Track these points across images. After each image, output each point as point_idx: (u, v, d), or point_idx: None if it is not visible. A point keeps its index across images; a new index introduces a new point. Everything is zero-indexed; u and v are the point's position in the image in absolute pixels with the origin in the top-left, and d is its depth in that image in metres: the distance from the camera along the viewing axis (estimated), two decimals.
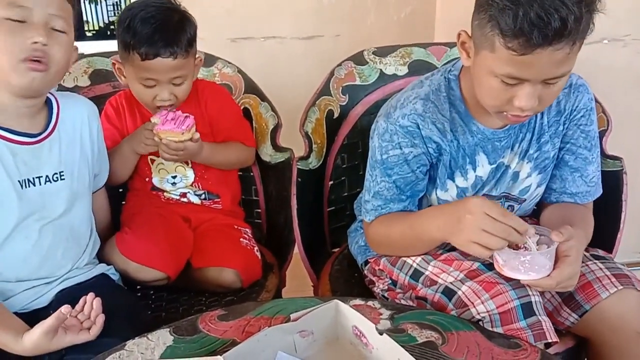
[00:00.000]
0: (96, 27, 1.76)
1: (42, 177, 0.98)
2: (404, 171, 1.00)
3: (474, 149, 1.00)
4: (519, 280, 0.86)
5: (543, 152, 1.02)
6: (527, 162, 1.03)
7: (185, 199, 1.30)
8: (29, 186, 0.96)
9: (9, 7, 0.88)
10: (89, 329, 0.90)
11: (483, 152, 1.00)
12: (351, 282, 1.21)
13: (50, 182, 0.99)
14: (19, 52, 0.89)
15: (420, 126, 0.97)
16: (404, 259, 1.03)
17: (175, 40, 1.12)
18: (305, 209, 1.25)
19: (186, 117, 1.14)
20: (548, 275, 0.84)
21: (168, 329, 0.82)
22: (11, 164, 0.94)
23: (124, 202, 1.32)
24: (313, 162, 1.27)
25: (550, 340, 0.85)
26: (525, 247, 0.84)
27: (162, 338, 0.80)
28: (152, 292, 1.18)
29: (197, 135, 1.15)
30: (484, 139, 0.99)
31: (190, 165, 1.27)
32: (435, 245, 0.98)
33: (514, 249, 0.85)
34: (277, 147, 1.35)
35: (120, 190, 1.33)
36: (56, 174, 1.00)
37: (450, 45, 1.34)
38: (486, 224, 0.83)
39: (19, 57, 0.89)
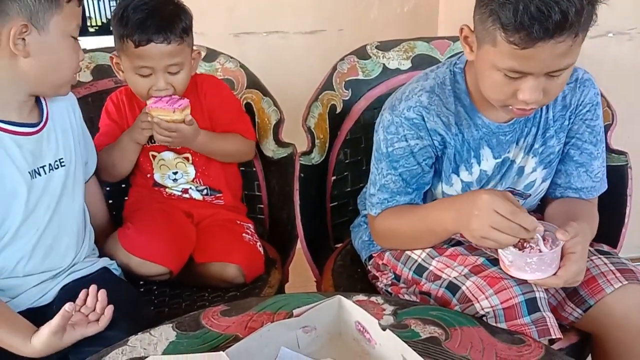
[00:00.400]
0: (98, 23, 1.76)
1: (45, 165, 1.00)
2: (410, 163, 0.99)
3: (479, 143, 0.99)
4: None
5: (548, 146, 1.02)
6: (532, 157, 1.02)
7: (187, 195, 1.29)
8: (36, 176, 0.98)
9: (77, 27, 0.98)
10: (96, 320, 0.90)
11: (488, 146, 1.00)
12: (354, 278, 1.21)
13: (53, 170, 1.01)
14: (76, 67, 1.01)
15: (425, 118, 0.97)
16: (409, 253, 1.03)
17: (168, 25, 1.11)
18: (308, 204, 1.25)
19: (180, 98, 1.14)
20: (555, 274, 0.83)
21: (171, 325, 0.82)
22: (19, 156, 0.96)
23: (126, 198, 1.32)
24: (316, 157, 1.27)
25: (554, 337, 0.85)
26: (531, 246, 0.83)
27: (165, 333, 0.81)
28: (154, 287, 1.19)
29: (190, 117, 1.14)
30: (488, 133, 0.99)
31: (190, 161, 1.26)
32: (448, 236, 0.98)
33: (519, 248, 0.84)
34: (279, 142, 1.34)
35: (123, 186, 1.33)
36: (57, 161, 1.02)
37: (454, 39, 1.32)
38: (495, 222, 0.82)
39: (76, 70, 1.01)
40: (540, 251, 0.82)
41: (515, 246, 0.84)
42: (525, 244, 0.84)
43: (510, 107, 0.89)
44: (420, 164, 1.00)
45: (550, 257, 0.83)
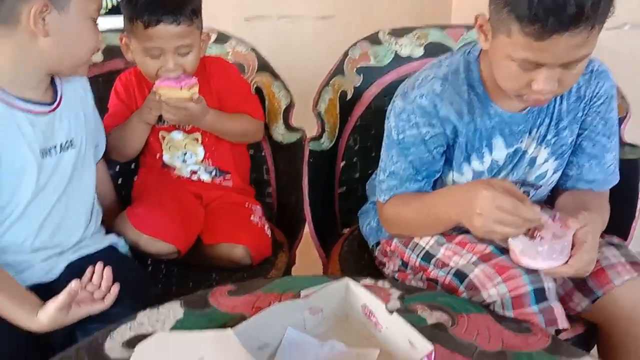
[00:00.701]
0: (109, 5, 1.76)
1: (57, 145, 1.00)
2: (420, 151, 0.99)
3: (491, 132, 0.99)
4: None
5: (561, 137, 1.01)
6: (544, 148, 1.01)
7: (195, 177, 1.29)
8: (47, 155, 0.98)
9: (97, 9, 0.99)
10: (102, 298, 0.91)
11: (500, 135, 0.99)
12: (361, 264, 1.21)
13: (64, 151, 1.01)
14: (95, 48, 1.01)
15: (438, 106, 0.96)
16: (416, 240, 1.03)
17: (177, 6, 1.11)
18: (316, 189, 1.25)
19: (188, 77, 1.14)
20: (565, 263, 0.83)
21: (179, 302, 0.83)
22: (31, 135, 0.96)
23: (135, 179, 1.32)
24: (325, 143, 1.26)
25: (561, 327, 0.84)
26: (542, 236, 0.83)
27: (173, 311, 0.81)
28: (162, 266, 1.19)
29: (197, 95, 1.13)
30: (501, 122, 0.98)
31: (200, 142, 1.26)
32: (453, 225, 0.97)
33: (530, 236, 0.84)
34: (289, 127, 1.33)
35: (132, 166, 1.34)
36: (67, 142, 1.02)
37: (468, 27, 1.31)
38: (498, 218, 0.82)
39: (94, 52, 1.01)
40: (554, 236, 0.82)
41: (525, 234, 0.83)
42: (535, 233, 0.83)
43: (525, 96, 0.88)
44: (431, 152, 0.99)
45: (562, 245, 0.82)
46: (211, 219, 1.22)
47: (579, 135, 1.02)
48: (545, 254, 0.82)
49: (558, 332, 0.86)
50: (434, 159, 1.00)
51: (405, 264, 1.06)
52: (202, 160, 1.28)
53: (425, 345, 0.66)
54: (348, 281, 0.78)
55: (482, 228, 0.84)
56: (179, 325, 0.78)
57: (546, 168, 1.04)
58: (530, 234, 0.84)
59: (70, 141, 1.02)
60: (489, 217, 0.83)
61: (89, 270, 0.93)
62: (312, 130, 1.27)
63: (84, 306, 0.89)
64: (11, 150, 0.94)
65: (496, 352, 0.73)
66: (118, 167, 1.33)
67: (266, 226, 1.26)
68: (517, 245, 0.84)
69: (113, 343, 0.75)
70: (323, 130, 1.25)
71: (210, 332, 0.73)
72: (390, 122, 1.02)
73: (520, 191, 0.86)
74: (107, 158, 1.22)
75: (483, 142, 0.99)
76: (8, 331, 0.87)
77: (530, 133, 1.00)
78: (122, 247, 1.12)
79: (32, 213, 0.98)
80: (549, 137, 1.01)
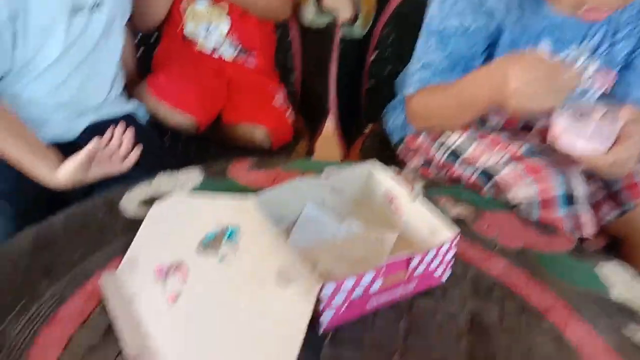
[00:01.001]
0: None
1: (86, 7, 0.95)
2: (461, 44, 0.91)
3: (539, 35, 0.91)
4: (571, 155, 0.79)
5: (614, 50, 0.93)
6: (595, 60, 0.94)
7: (217, 55, 1.24)
8: (76, 15, 0.94)
9: None
10: (121, 161, 0.89)
11: (548, 39, 0.91)
12: (382, 159, 1.17)
13: (93, 12, 0.97)
14: None
15: None
16: (444, 138, 0.98)
17: None
18: (343, 80, 1.19)
19: None
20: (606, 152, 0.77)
21: (198, 169, 0.81)
22: None
23: (157, 49, 1.27)
24: (358, 30, 1.19)
25: (585, 235, 0.82)
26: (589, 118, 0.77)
27: (192, 176, 0.79)
28: (181, 139, 1.16)
29: None
30: (551, 25, 0.89)
31: (226, 14, 1.19)
32: (487, 108, 0.90)
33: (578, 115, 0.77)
34: (320, 9, 1.25)
35: (153, 40, 1.28)
36: (97, 3, 0.97)
37: None
38: (533, 90, 0.75)
39: None
40: (602, 120, 0.75)
41: (574, 115, 0.77)
42: (582, 114, 0.77)
43: (583, 8, 0.79)
44: (471, 47, 0.92)
45: (608, 130, 0.76)
46: (233, 98, 1.19)
47: (632, 51, 0.94)
48: (589, 136, 0.76)
49: (581, 241, 0.84)
50: (474, 55, 0.93)
51: (428, 162, 1.02)
52: (227, 34, 1.21)
53: (446, 233, 0.64)
54: (373, 165, 0.75)
55: (518, 106, 0.78)
56: (198, 190, 0.77)
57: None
58: (579, 113, 0.78)
59: (100, 2, 0.97)
60: (522, 93, 0.76)
61: (109, 130, 0.90)
62: (345, 15, 1.19)
63: (103, 166, 0.88)
64: (41, 6, 0.90)
65: (517, 250, 0.71)
66: (139, 37, 1.28)
67: (288, 111, 1.22)
68: (561, 122, 0.78)
69: (129, 201, 0.74)
70: (357, 16, 1.17)
71: (230, 197, 0.72)
72: (432, 9, 0.94)
73: (554, 58, 0.79)
74: (130, 25, 1.17)
75: (529, 44, 0.92)
76: (24, 187, 0.87)
77: (581, 42, 0.92)
78: (142, 117, 1.09)
79: (56, 71, 0.95)
80: (601, 48, 0.93)
